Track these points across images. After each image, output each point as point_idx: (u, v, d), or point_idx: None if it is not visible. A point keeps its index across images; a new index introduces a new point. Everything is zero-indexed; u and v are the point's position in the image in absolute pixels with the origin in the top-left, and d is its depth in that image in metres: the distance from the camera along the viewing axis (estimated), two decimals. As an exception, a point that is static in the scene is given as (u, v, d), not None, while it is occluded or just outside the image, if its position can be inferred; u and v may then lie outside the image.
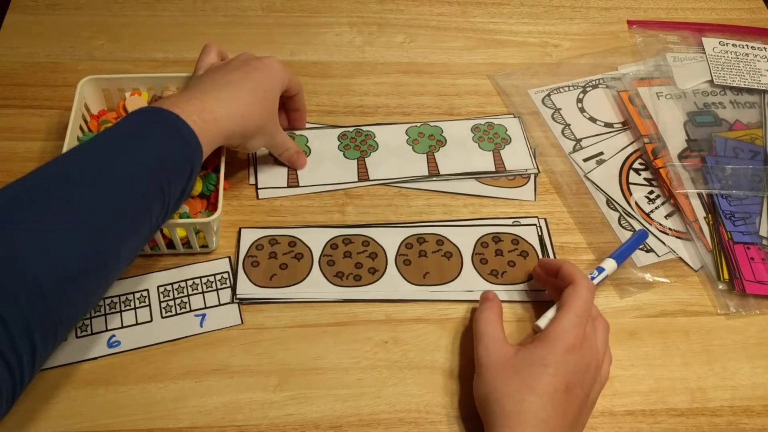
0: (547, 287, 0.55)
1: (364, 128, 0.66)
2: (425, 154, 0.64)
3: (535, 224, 0.60)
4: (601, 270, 0.54)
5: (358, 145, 0.64)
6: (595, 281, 0.54)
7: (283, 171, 0.62)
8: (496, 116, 0.68)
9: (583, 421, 0.47)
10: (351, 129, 0.66)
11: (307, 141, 0.64)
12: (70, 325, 0.45)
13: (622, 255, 0.56)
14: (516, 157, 0.64)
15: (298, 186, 0.61)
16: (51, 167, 0.43)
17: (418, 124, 0.67)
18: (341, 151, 0.64)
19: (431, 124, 0.67)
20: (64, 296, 0.40)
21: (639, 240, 0.57)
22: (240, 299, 0.54)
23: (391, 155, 0.64)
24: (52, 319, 0.40)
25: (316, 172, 0.63)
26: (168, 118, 0.47)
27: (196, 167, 0.48)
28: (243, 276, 0.55)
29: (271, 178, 0.62)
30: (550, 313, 0.50)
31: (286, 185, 0.61)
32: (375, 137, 0.65)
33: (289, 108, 0.63)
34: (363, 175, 0.62)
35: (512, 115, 0.68)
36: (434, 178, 0.63)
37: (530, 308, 0.56)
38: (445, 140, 0.65)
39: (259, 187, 0.61)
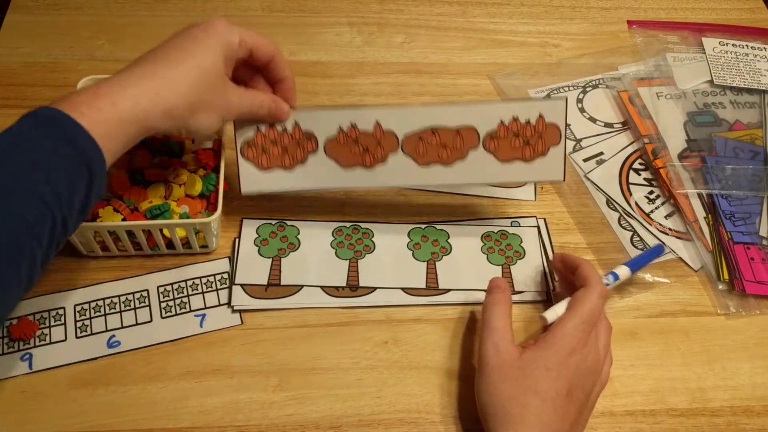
0: (560, 279, 0.55)
1: (363, 225, 0.59)
2: (425, 262, 0.57)
3: (535, 225, 0.60)
4: (615, 276, 0.54)
5: (352, 244, 0.58)
6: (609, 287, 0.53)
7: (266, 265, 0.56)
8: (514, 218, 0.61)
9: (582, 422, 0.47)
10: (348, 225, 0.59)
11: (298, 233, 0.58)
12: None
13: (636, 264, 0.55)
14: (526, 273, 0.57)
15: (279, 285, 0.55)
16: None
17: (423, 226, 0.59)
18: (333, 248, 0.57)
19: (437, 226, 0.59)
20: None
21: (655, 253, 0.57)
22: (236, 309, 0.54)
23: (387, 259, 0.57)
24: None
25: (300, 269, 0.56)
26: (55, 120, 0.40)
27: (98, 168, 0.41)
28: (239, 289, 0.54)
29: (251, 273, 0.55)
30: (560, 309, 0.49)
31: (266, 283, 0.55)
32: (373, 236, 0.58)
33: (270, 80, 0.53)
34: (353, 279, 0.56)
35: (534, 218, 0.61)
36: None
37: (528, 308, 0.56)
38: (450, 247, 0.58)
39: (235, 282, 0.55)
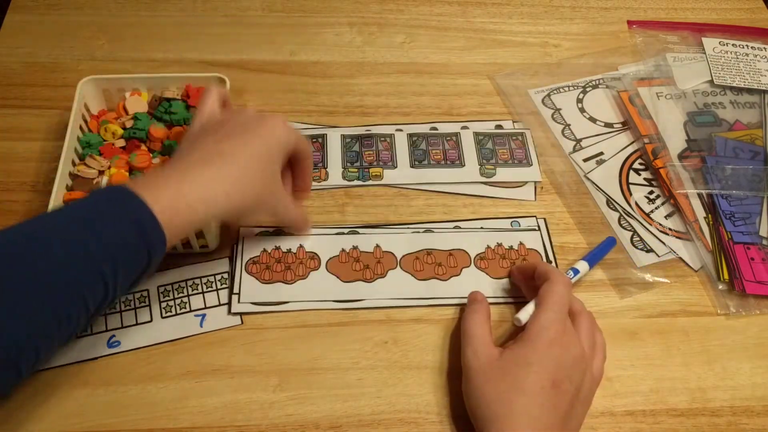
0: (524, 290, 0.56)
1: (362, 231, 0.59)
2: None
3: (535, 227, 0.60)
4: (576, 271, 0.55)
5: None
6: (570, 276, 0.54)
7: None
8: (514, 218, 0.61)
9: (577, 417, 0.47)
10: (346, 231, 0.59)
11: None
12: None
13: (593, 258, 0.57)
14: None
15: (284, 304, 0.55)
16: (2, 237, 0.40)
17: (422, 230, 0.60)
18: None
19: (436, 231, 0.60)
20: None
21: (608, 246, 0.58)
22: (236, 313, 0.54)
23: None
24: None
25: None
26: (131, 203, 0.42)
27: (155, 257, 0.43)
28: (236, 299, 0.54)
29: (254, 294, 0.55)
30: (530, 308, 0.50)
31: (269, 302, 0.55)
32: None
33: (292, 173, 0.56)
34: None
35: (534, 218, 0.61)
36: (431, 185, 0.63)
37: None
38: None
39: (240, 301, 0.54)
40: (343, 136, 0.65)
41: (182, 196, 0.44)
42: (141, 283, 0.45)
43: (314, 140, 0.65)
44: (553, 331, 0.46)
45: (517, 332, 0.50)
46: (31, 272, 0.39)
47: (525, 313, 0.50)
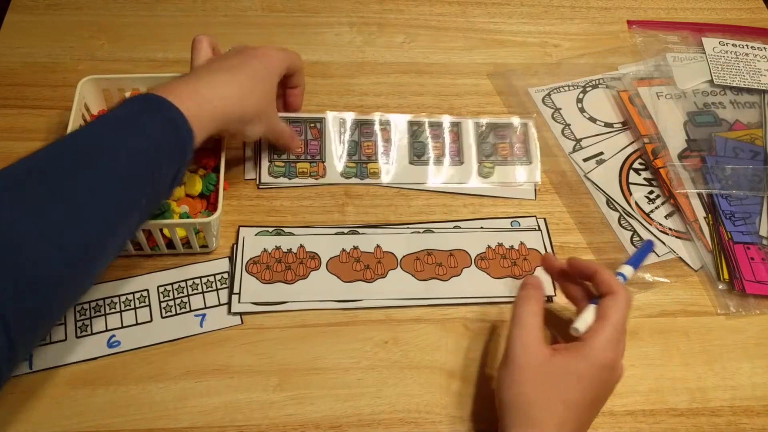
0: (563, 283, 0.52)
1: (362, 231, 0.59)
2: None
3: (536, 227, 0.60)
4: (624, 278, 0.52)
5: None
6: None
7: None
8: (514, 218, 0.61)
9: (588, 427, 0.47)
10: (346, 230, 0.59)
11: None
12: (52, 320, 0.45)
13: (636, 262, 0.54)
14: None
15: (283, 303, 0.55)
16: (47, 152, 0.43)
17: (422, 230, 0.60)
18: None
19: (436, 231, 0.59)
20: (47, 289, 0.39)
21: (648, 248, 0.56)
22: (236, 313, 0.54)
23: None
24: (33, 313, 0.39)
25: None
26: (161, 105, 0.46)
27: (188, 154, 0.48)
28: (236, 299, 0.54)
29: (254, 294, 0.55)
30: (589, 318, 0.47)
31: (269, 301, 0.55)
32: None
33: (287, 86, 0.62)
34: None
35: (534, 218, 0.61)
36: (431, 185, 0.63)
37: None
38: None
39: (240, 301, 0.54)
40: (342, 121, 0.65)
41: (202, 96, 0.49)
42: (175, 187, 0.49)
43: (312, 126, 0.65)
44: (612, 353, 0.45)
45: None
46: (93, 175, 0.42)
47: (583, 324, 0.47)
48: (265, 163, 0.62)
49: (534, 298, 0.48)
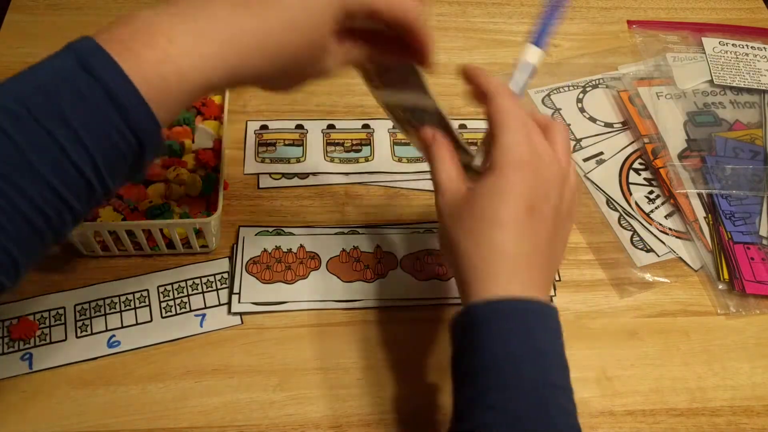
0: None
1: (361, 231, 0.59)
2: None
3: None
4: (525, 67, 0.43)
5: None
6: (519, 82, 0.44)
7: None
8: None
9: (562, 238, 0.42)
10: (347, 230, 0.59)
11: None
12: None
13: (542, 35, 0.44)
14: None
15: (283, 303, 0.55)
16: None
17: (422, 230, 0.59)
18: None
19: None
20: None
21: (557, 7, 0.45)
22: (236, 313, 0.54)
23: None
24: None
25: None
26: (103, 71, 0.31)
27: (149, 135, 0.33)
28: (236, 299, 0.54)
29: (254, 295, 0.55)
30: (478, 159, 0.43)
31: (269, 301, 0.54)
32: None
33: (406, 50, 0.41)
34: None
35: None
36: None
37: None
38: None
39: (241, 301, 0.54)
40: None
41: (171, 61, 0.32)
42: (141, 171, 0.35)
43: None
44: (519, 152, 0.39)
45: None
46: None
47: (480, 157, 0.42)
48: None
49: (442, 148, 0.44)
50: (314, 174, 0.63)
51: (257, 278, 0.55)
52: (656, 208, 0.62)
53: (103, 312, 0.53)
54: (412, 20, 0.38)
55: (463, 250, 0.40)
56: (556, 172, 0.41)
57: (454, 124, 0.45)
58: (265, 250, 0.57)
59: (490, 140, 0.41)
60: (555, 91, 0.71)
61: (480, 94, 0.43)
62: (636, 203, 0.62)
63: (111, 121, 0.31)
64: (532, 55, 0.44)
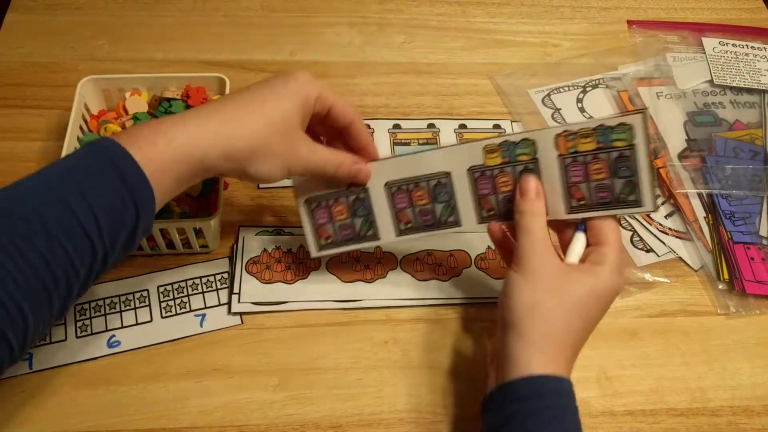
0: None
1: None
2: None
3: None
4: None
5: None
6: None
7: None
8: None
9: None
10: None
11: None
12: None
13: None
14: None
15: (284, 303, 0.55)
16: None
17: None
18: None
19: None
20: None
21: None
22: (236, 313, 0.54)
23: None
24: None
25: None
26: (101, 146, 0.40)
27: (145, 205, 0.40)
28: (235, 299, 0.54)
29: (254, 294, 0.55)
30: (579, 248, 0.46)
31: (269, 301, 0.54)
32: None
33: (350, 148, 0.49)
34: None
35: None
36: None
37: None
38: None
39: (240, 301, 0.54)
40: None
41: (161, 134, 0.41)
42: (136, 244, 0.42)
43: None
44: (623, 279, 0.45)
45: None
46: (8, 234, 0.36)
47: (575, 256, 0.46)
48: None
49: (538, 210, 0.46)
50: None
51: (257, 278, 0.55)
52: (656, 208, 0.62)
53: (103, 312, 0.53)
54: (357, 121, 0.48)
55: (552, 322, 0.43)
56: (620, 288, 0.46)
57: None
58: (265, 250, 0.57)
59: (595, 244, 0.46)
60: (555, 91, 0.71)
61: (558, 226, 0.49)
62: (636, 203, 0.62)
63: (119, 195, 0.39)
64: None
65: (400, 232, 0.51)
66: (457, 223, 0.50)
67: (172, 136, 0.41)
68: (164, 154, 0.41)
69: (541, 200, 0.47)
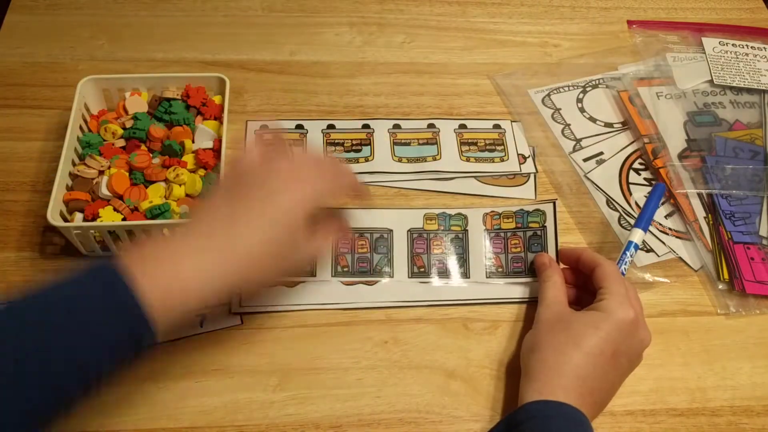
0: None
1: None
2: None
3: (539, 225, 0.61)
4: (636, 247, 0.55)
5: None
6: (625, 258, 0.54)
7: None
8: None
9: (621, 381, 0.49)
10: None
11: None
12: None
13: (647, 219, 0.57)
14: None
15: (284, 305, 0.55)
16: None
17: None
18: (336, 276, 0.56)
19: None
20: None
21: (658, 194, 0.58)
22: (236, 313, 0.54)
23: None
24: None
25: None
26: (119, 288, 0.38)
27: (145, 344, 0.39)
28: (235, 298, 0.54)
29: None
30: None
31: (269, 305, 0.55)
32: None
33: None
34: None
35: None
36: (433, 177, 0.63)
37: (531, 308, 0.56)
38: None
39: (242, 305, 0.54)
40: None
41: (178, 281, 0.40)
42: (131, 369, 0.40)
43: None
44: (630, 311, 0.47)
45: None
46: (8, 360, 0.36)
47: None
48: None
49: (551, 272, 0.53)
50: (314, 174, 0.63)
51: None
52: (656, 208, 0.62)
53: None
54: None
55: (545, 355, 0.46)
56: (646, 342, 0.49)
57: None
58: None
59: (601, 288, 0.50)
60: (555, 91, 0.71)
61: (573, 255, 0.54)
62: (636, 203, 0.62)
63: (120, 333, 0.38)
64: (637, 236, 0.56)
65: (336, 274, 0.56)
66: (390, 274, 0.56)
67: (186, 286, 0.40)
68: (176, 303, 0.40)
69: (551, 269, 0.53)
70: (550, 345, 0.46)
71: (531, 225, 0.58)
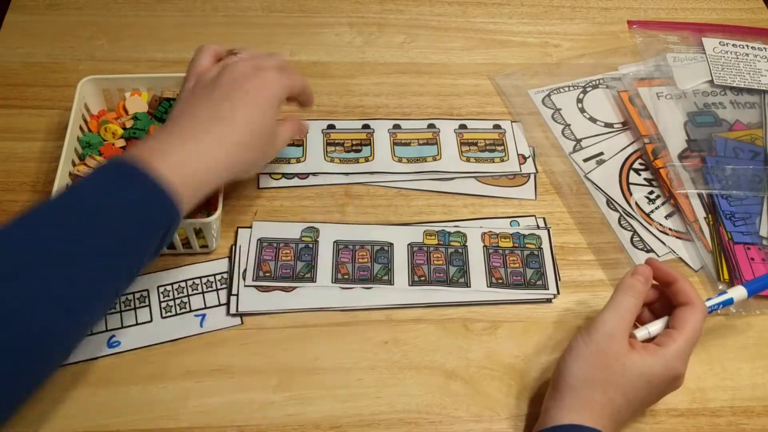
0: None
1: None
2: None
3: (534, 227, 0.60)
4: (729, 301, 0.50)
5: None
6: (711, 303, 0.50)
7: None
8: (513, 217, 0.61)
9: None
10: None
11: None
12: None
13: (756, 288, 0.51)
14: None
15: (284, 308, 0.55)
16: (21, 228, 0.42)
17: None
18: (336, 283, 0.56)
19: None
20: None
21: None
22: (236, 314, 0.54)
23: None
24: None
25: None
26: (146, 181, 0.44)
27: (172, 229, 0.46)
28: (234, 299, 0.54)
29: (254, 302, 0.55)
30: (652, 328, 0.48)
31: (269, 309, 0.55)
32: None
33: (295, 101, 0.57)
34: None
35: (533, 217, 0.61)
36: (433, 177, 0.63)
37: (531, 308, 0.56)
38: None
39: (239, 309, 0.54)
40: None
41: (187, 165, 0.46)
42: (155, 258, 0.47)
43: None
44: (683, 366, 0.46)
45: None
46: (60, 250, 0.41)
47: (645, 332, 0.48)
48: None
49: (638, 290, 0.48)
50: (314, 174, 0.63)
51: (255, 288, 0.55)
52: (656, 208, 0.62)
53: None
54: (307, 88, 0.57)
55: (589, 385, 0.45)
56: (675, 388, 0.47)
57: None
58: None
59: (673, 327, 0.47)
60: (555, 91, 0.71)
61: (665, 277, 0.50)
62: (636, 203, 0.62)
63: (153, 216, 0.45)
64: (738, 294, 0.51)
65: (336, 281, 0.56)
66: (389, 282, 0.56)
67: (196, 169, 0.47)
68: (190, 185, 0.46)
69: (640, 281, 0.49)
70: (600, 383, 0.45)
71: (528, 246, 0.59)
